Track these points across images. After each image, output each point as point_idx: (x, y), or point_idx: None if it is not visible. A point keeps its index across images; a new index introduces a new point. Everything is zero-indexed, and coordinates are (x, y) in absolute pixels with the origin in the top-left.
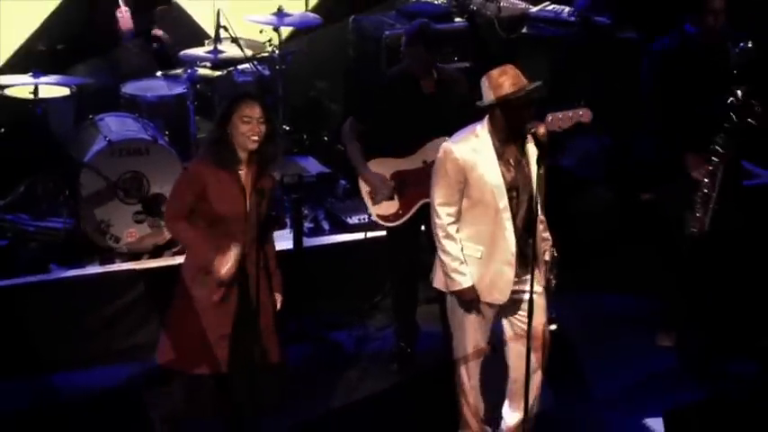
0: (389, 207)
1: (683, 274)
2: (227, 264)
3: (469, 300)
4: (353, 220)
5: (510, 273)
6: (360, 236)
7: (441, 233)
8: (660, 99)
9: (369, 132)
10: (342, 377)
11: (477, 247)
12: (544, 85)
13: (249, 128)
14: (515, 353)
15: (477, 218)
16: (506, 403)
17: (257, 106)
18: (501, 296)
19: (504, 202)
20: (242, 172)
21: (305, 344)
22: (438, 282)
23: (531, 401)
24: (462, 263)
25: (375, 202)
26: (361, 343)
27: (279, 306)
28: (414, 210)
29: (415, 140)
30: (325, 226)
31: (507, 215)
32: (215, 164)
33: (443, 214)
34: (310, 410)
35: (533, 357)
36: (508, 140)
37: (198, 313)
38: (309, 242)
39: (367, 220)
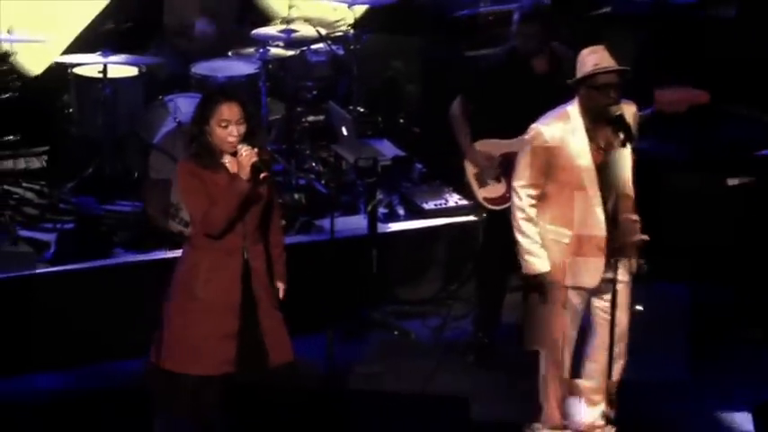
0: (497, 189)
1: None
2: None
3: (540, 284)
4: (430, 205)
5: (600, 258)
6: (437, 222)
7: (520, 215)
8: None
9: (478, 112)
10: (415, 369)
11: (565, 231)
12: (627, 63)
13: (227, 132)
14: (598, 342)
15: (565, 201)
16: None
17: (235, 106)
18: (590, 282)
19: (594, 185)
20: (229, 163)
21: (378, 333)
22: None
23: (612, 393)
24: (540, 246)
25: (481, 185)
26: (437, 333)
27: (281, 297)
28: None
29: (526, 121)
30: (400, 211)
31: (597, 199)
32: (197, 165)
33: (525, 195)
34: (382, 402)
35: (616, 347)
36: (599, 122)
37: (202, 312)
38: (384, 228)
39: (444, 205)
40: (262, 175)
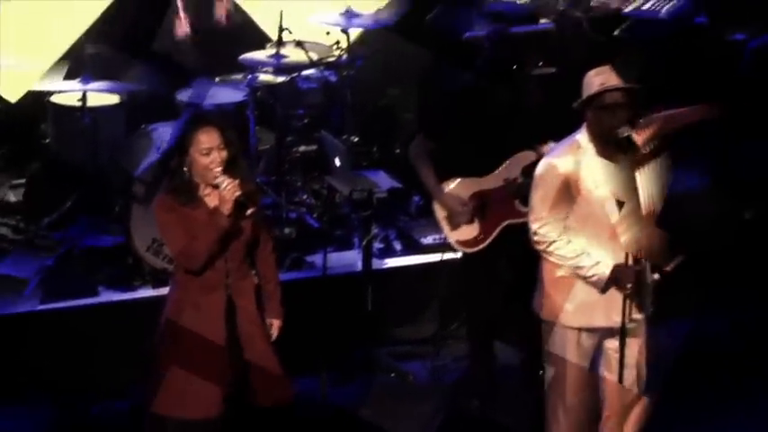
0: (470, 231)
1: None
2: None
3: (625, 277)
4: (428, 240)
5: (618, 294)
6: (435, 257)
7: (551, 249)
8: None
9: (442, 149)
10: (414, 413)
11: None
12: (640, 90)
13: (210, 160)
14: (611, 387)
15: (582, 234)
16: None
17: (214, 131)
18: (605, 320)
19: (615, 215)
20: (209, 197)
21: (374, 375)
22: (537, 306)
23: None
24: (587, 255)
25: (453, 227)
26: (437, 375)
27: (275, 334)
28: (496, 233)
29: (495, 156)
30: (397, 246)
31: (620, 230)
32: (175, 201)
33: (546, 233)
34: None
35: (630, 391)
36: (610, 146)
37: (187, 352)
38: (379, 264)
39: (443, 240)
40: (249, 212)
